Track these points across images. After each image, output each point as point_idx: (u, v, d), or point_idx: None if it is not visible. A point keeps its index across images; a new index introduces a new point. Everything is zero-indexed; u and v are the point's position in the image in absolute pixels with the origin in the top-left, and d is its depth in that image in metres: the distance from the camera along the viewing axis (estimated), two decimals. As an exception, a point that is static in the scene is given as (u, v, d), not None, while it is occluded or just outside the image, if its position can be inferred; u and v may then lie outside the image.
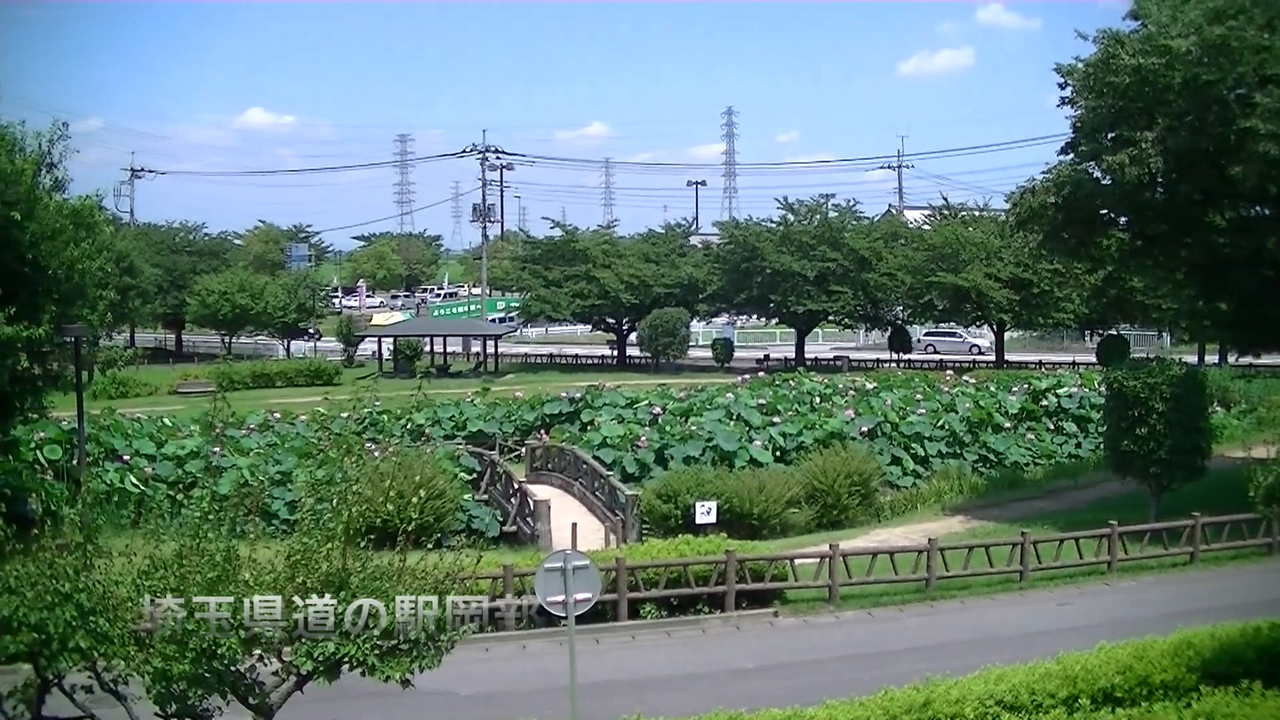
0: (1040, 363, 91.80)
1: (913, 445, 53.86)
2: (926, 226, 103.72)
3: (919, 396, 59.98)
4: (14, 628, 13.97)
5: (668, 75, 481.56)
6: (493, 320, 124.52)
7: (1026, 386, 62.72)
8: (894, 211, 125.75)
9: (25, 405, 37.55)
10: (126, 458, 48.92)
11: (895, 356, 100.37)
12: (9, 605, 13.99)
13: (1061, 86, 44.28)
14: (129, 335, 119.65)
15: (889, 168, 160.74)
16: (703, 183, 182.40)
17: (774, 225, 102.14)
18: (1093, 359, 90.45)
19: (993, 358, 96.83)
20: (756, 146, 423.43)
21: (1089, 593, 33.91)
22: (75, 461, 43.62)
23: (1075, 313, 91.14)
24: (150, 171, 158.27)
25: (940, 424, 55.45)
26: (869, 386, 64.07)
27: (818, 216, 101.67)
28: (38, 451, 47.84)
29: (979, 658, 21.21)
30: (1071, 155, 45.01)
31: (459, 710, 20.92)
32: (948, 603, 33.13)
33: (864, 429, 53.74)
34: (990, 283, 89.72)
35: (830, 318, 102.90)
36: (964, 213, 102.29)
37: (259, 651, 14.43)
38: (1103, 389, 48.44)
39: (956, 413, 56.76)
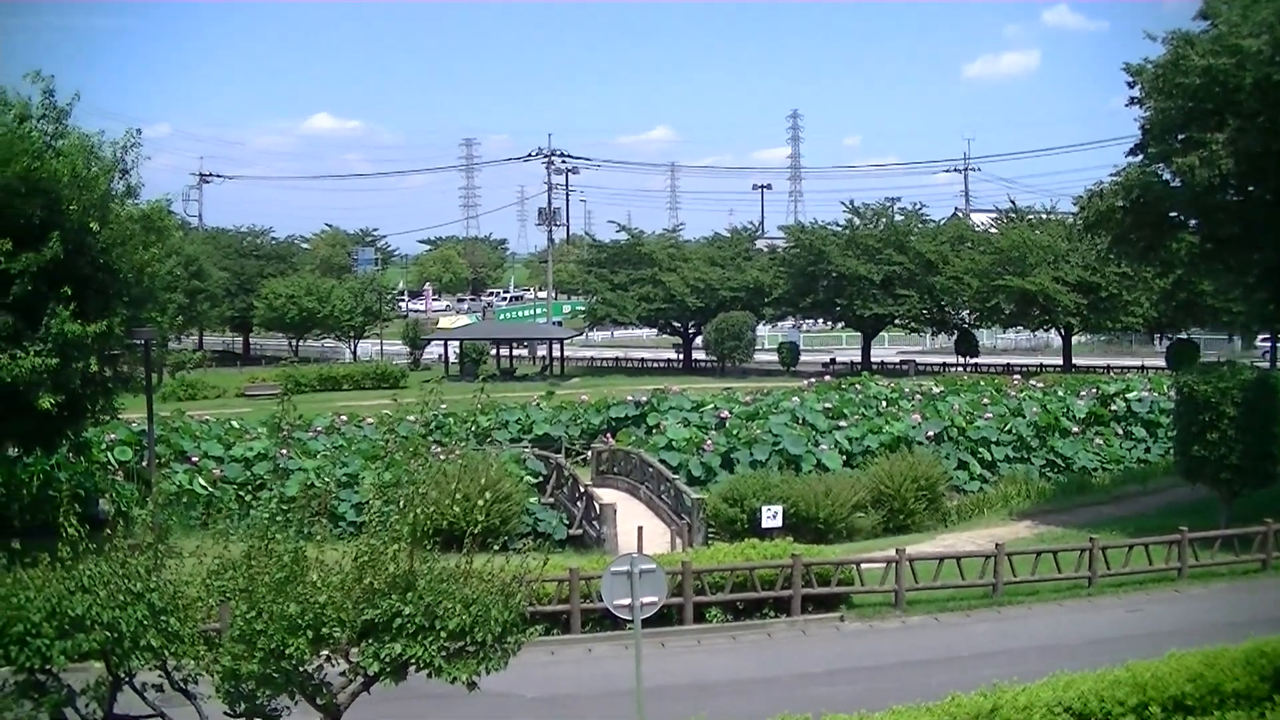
0: (1108, 367, 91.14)
1: (979, 450, 53.54)
2: (993, 230, 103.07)
3: (986, 401, 59.62)
4: (87, 626, 14.11)
5: (732, 79, 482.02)
6: (557, 322, 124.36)
7: (1095, 391, 62.21)
8: (960, 215, 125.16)
9: (96, 407, 37.93)
10: (195, 459, 49.32)
11: (962, 360, 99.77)
12: (83, 604, 14.13)
13: (1130, 87, 43.92)
14: (197, 338, 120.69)
15: (955, 171, 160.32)
16: (768, 186, 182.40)
17: (840, 229, 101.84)
18: (1162, 363, 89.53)
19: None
20: (821, 150, 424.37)
21: (1158, 599, 33.60)
22: (145, 463, 44.02)
23: (1144, 316, 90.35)
24: (218, 176, 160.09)
25: (1007, 428, 55.08)
26: (935, 390, 63.80)
27: (883, 220, 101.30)
28: (109, 453, 48.35)
29: (1047, 664, 21.06)
30: (1141, 157, 44.63)
31: (524, 713, 20.97)
32: (1015, 608, 32.92)
33: (930, 433, 53.46)
34: (1057, 286, 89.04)
35: (896, 321, 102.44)
36: (1031, 216, 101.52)
37: (326, 652, 14.50)
38: (1172, 393, 47.97)
39: (1024, 417, 56.36)
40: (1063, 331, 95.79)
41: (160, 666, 14.96)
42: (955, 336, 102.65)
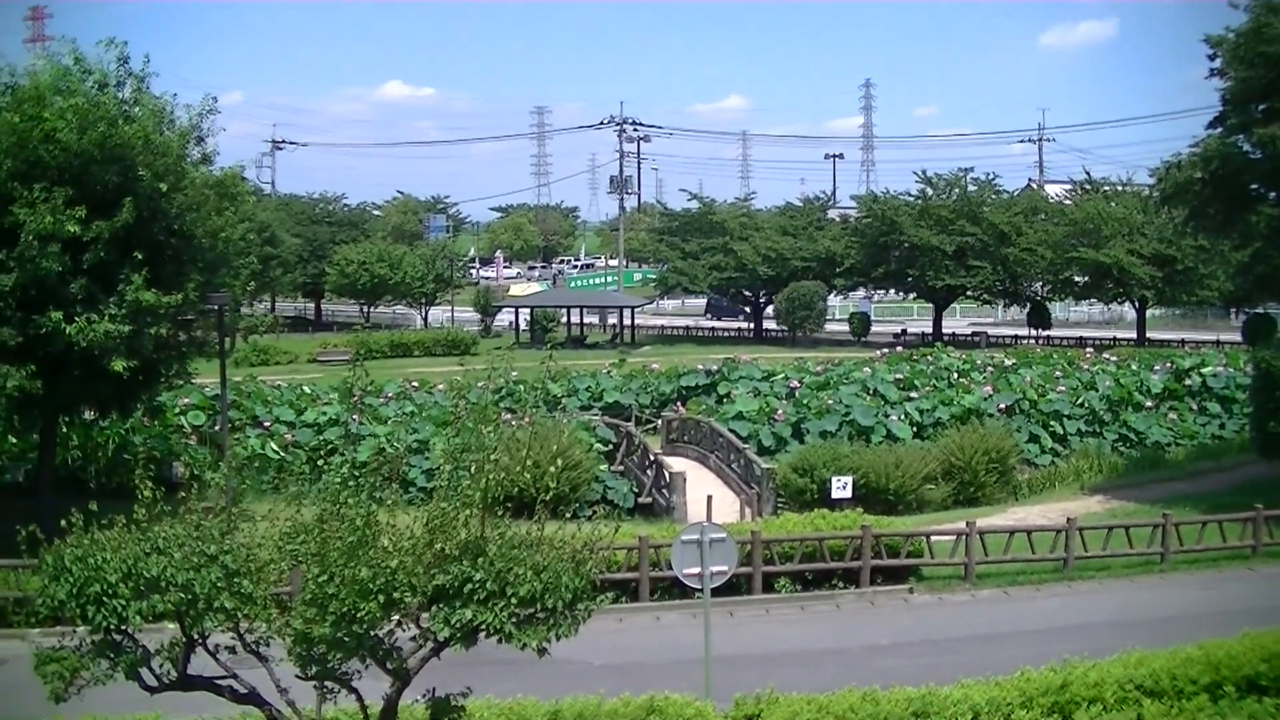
0: (1183, 341, 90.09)
1: (1051, 423, 53.18)
2: (1067, 201, 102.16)
3: (1058, 374, 59.21)
4: (163, 587, 14.21)
5: (805, 48, 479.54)
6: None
7: (1169, 365, 61.59)
8: (1034, 186, 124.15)
9: (170, 372, 38.26)
10: (267, 424, 49.79)
11: (1034, 333, 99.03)
12: (158, 565, 14.24)
13: (1211, 58, 43.36)
14: (269, 304, 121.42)
15: (1029, 141, 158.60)
16: (840, 156, 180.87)
17: (912, 199, 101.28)
18: (1238, 338, 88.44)
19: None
20: (894, 120, 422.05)
21: (1232, 577, 33.28)
22: (218, 427, 44.42)
23: (1221, 290, 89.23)
24: (291, 143, 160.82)
25: (1080, 402, 54.68)
26: (1007, 363, 63.39)
27: (956, 190, 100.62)
28: (182, 417, 48.87)
29: (1118, 640, 20.93)
30: (1220, 129, 44.11)
31: (592, 680, 20.97)
32: (1086, 583, 32.73)
33: (1002, 406, 53.17)
34: (1132, 259, 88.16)
35: (968, 293, 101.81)
36: (1106, 187, 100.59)
37: (397, 616, 14.55)
38: (1249, 369, 47.48)
39: (1097, 391, 55.91)
40: (1137, 305, 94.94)
41: (233, 628, 15.04)
42: (1028, 309, 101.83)
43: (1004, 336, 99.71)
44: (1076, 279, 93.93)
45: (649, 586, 30.60)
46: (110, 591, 14.12)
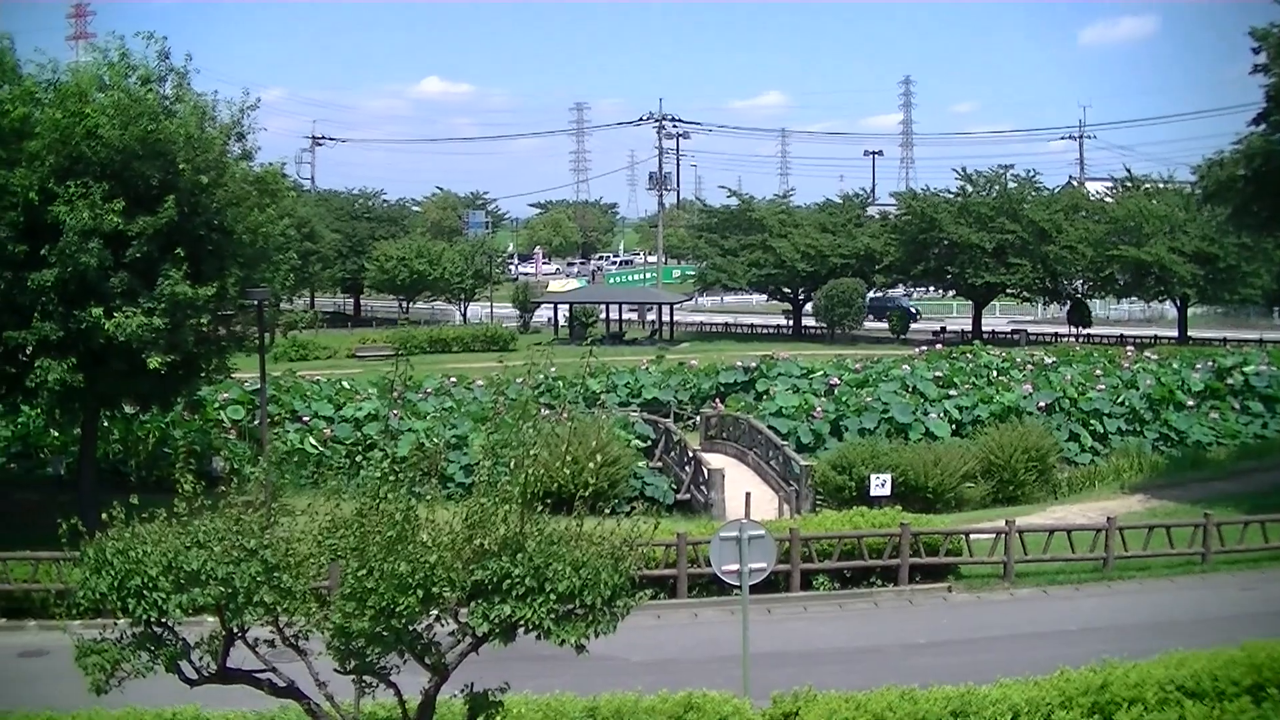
0: (1225, 339, 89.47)
1: (1091, 421, 52.85)
2: (1108, 199, 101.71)
3: (1099, 372, 58.85)
4: (203, 580, 14.28)
5: (844, 44, 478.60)
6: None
7: (1211, 364, 61.16)
8: (1075, 183, 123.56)
9: (210, 366, 38.49)
10: (306, 419, 49.94)
11: (1074, 331, 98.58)
12: (198, 559, 14.31)
13: (1255, 52, 43.02)
14: (309, 299, 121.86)
15: (1070, 138, 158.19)
16: (879, 153, 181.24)
17: (952, 196, 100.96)
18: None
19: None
20: (933, 116, 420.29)
21: (1274, 578, 32.98)
22: (257, 422, 44.59)
23: (1264, 288, 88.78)
24: (330, 139, 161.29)
25: (1120, 400, 54.33)
26: (1047, 361, 63.13)
27: (996, 188, 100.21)
28: (222, 411, 49.10)
29: (1158, 641, 20.82)
30: (1264, 125, 43.76)
31: (630, 676, 20.96)
32: (1126, 583, 32.54)
33: (1042, 404, 52.88)
34: (1174, 257, 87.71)
35: (1008, 290, 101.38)
36: (1147, 185, 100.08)
37: (436, 611, 14.58)
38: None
39: (1137, 389, 55.54)
40: (1178, 303, 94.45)
41: (272, 622, 15.10)
42: (1068, 306, 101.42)
43: (1044, 334, 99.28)
44: (1117, 277, 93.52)
45: (687, 583, 30.61)
46: (151, 584, 14.20)
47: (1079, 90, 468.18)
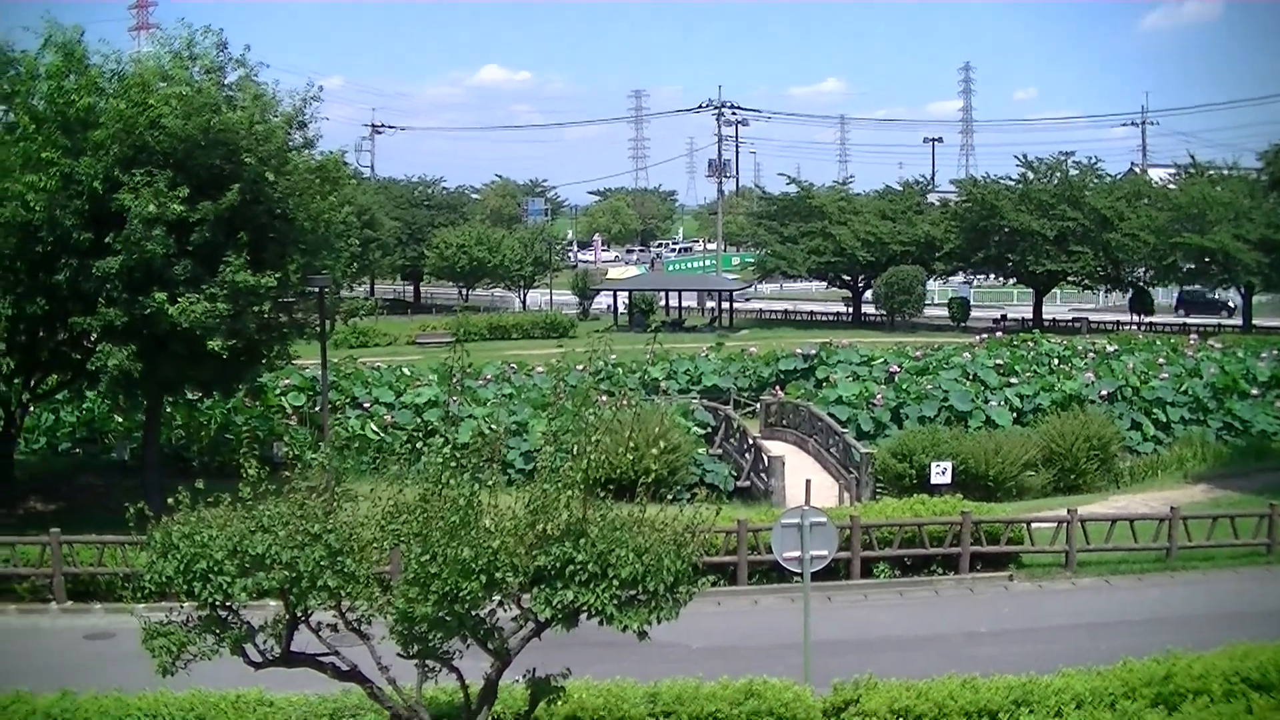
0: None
1: (1154, 410, 52.44)
2: (1171, 185, 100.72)
3: (1162, 360, 58.43)
4: (267, 564, 14.42)
5: (903, 30, 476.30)
6: (733, 279, 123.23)
7: (1276, 352, 60.57)
8: (1137, 170, 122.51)
9: (272, 353, 38.75)
10: (367, 405, 50.20)
11: (1136, 319, 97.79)
12: (263, 543, 14.44)
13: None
14: (369, 287, 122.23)
15: (1132, 124, 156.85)
16: (939, 139, 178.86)
17: (1013, 183, 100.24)
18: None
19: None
20: (994, 103, 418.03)
21: (1342, 569, 32.67)
22: (318, 408, 44.86)
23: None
24: (390, 127, 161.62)
25: (1183, 389, 53.88)
26: (1109, 349, 62.71)
27: (1058, 175, 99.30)
28: (283, 398, 49.42)
29: (1222, 633, 20.70)
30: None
31: (691, 663, 21.00)
32: (1189, 574, 32.26)
33: (1104, 392, 52.57)
34: (1238, 244, 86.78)
35: (1069, 278, 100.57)
36: (1211, 171, 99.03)
37: (499, 597, 14.65)
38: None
39: (1201, 378, 55.09)
40: (1243, 291, 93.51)
41: (335, 606, 15.23)
42: (1130, 294, 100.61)
43: (1105, 322, 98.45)
44: (1180, 265, 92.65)
45: (747, 570, 30.60)
46: (216, 568, 14.37)
47: (1141, 76, 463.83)
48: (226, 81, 36.53)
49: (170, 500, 15.17)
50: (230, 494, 15.26)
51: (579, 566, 14.02)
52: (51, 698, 18.45)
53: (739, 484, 44.19)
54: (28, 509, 39.42)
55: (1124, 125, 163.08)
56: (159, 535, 14.81)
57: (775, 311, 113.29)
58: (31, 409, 43.05)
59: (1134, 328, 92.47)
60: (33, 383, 39.72)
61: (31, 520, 37.09)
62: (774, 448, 45.39)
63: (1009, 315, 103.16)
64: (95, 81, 34.65)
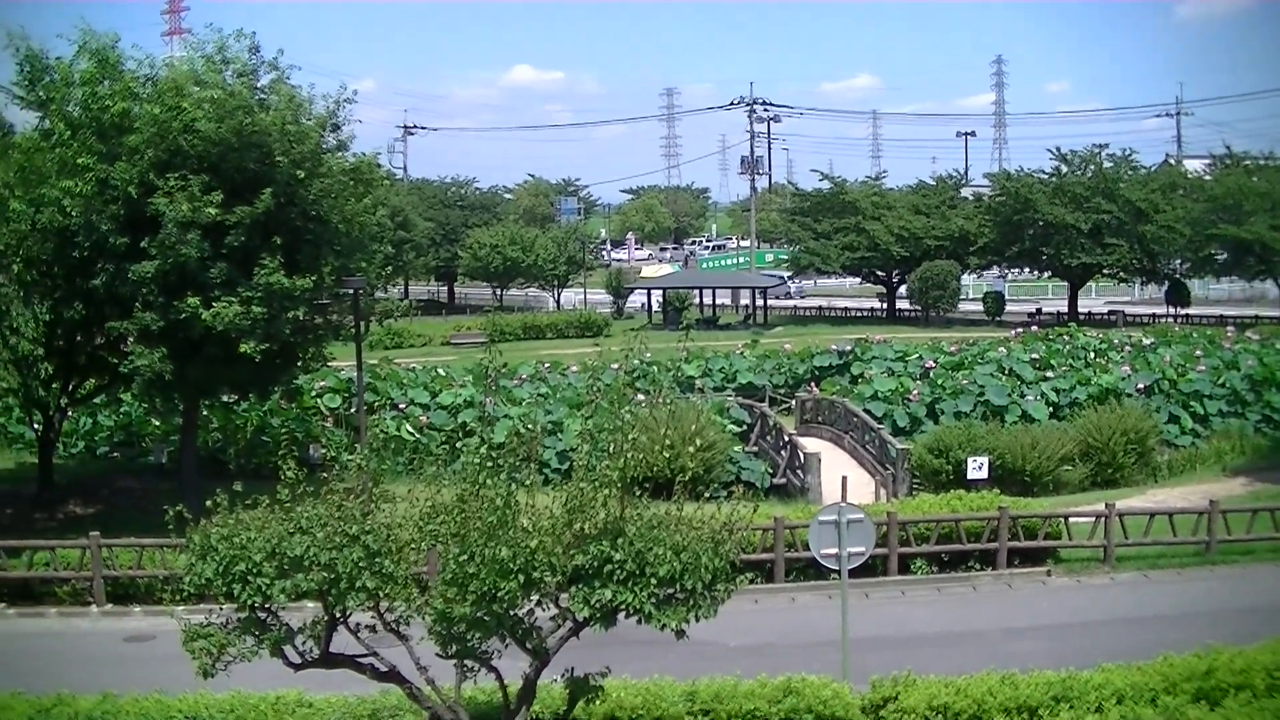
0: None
1: (1191, 403, 52.19)
2: (1207, 176, 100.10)
3: (1198, 353, 58.11)
4: (306, 566, 14.46)
5: (935, 24, 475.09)
6: (771, 275, 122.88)
7: (1316, 344, 60.17)
8: (1171, 161, 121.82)
9: (307, 355, 38.84)
10: (402, 406, 50.29)
11: (1173, 311, 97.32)
12: (301, 544, 14.49)
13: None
14: (403, 288, 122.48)
15: (1166, 115, 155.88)
16: (972, 133, 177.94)
17: (1046, 176, 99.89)
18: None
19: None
20: (1026, 96, 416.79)
21: (1385, 562, 32.41)
22: (354, 410, 44.96)
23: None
24: (422, 128, 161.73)
25: (1221, 382, 53.60)
26: (1146, 342, 62.44)
27: (1091, 167, 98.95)
28: (319, 400, 49.56)
29: (1264, 627, 20.59)
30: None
31: (729, 661, 20.96)
32: (1229, 568, 32.02)
33: (1140, 386, 52.35)
34: (1276, 235, 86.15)
35: (1104, 271, 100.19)
36: (1248, 161, 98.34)
37: (537, 596, 14.66)
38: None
39: (1239, 370, 54.77)
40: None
41: (374, 607, 15.26)
42: (1166, 287, 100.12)
43: (1141, 315, 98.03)
44: (1217, 256, 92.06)
45: (784, 567, 30.57)
46: (255, 570, 14.42)
47: (1175, 67, 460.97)
48: (259, 85, 36.65)
49: (208, 503, 15.26)
50: (268, 496, 15.31)
51: (617, 565, 14.02)
52: (93, 699, 18.54)
53: (775, 481, 44.17)
54: (67, 512, 39.63)
55: (1158, 116, 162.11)
56: (198, 538, 14.88)
57: (810, 308, 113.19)
58: (70, 413, 43.34)
59: (1170, 320, 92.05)
60: (71, 387, 39.95)
61: (71, 523, 37.28)
62: (810, 444, 45.36)
63: (1044, 309, 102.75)
64: (129, 87, 34.80)
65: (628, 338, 17.24)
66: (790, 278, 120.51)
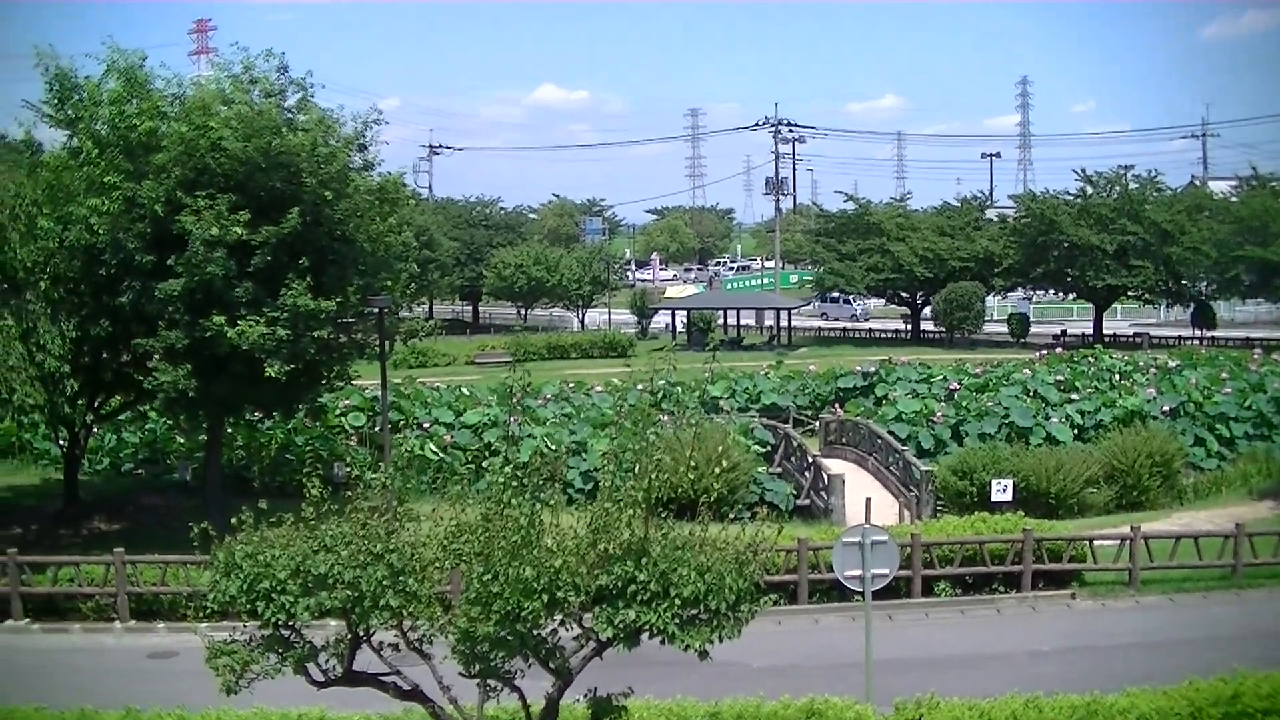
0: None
1: (1217, 426, 51.96)
2: (1233, 198, 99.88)
3: (1224, 375, 57.89)
4: (330, 584, 14.48)
5: (961, 45, 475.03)
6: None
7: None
8: (1197, 183, 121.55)
9: (332, 374, 38.93)
10: (426, 425, 50.34)
11: (1198, 333, 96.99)
12: (326, 562, 14.51)
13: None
14: (428, 307, 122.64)
15: (1192, 137, 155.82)
16: (997, 154, 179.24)
17: (1071, 198, 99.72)
18: None
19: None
20: (1051, 117, 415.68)
21: None
22: (378, 428, 45.04)
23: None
24: (447, 148, 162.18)
25: (1247, 404, 53.36)
26: (1171, 364, 62.21)
27: (1117, 189, 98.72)
28: (343, 418, 49.68)
29: (1291, 650, 20.45)
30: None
31: (752, 682, 20.94)
32: (1256, 592, 31.88)
33: (1166, 408, 52.17)
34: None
35: (1130, 293, 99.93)
36: (1274, 183, 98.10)
37: (560, 616, 14.65)
38: None
39: (1265, 392, 54.55)
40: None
41: (397, 626, 15.27)
42: (1191, 309, 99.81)
43: (1167, 337, 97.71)
44: (1243, 278, 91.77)
45: (807, 589, 30.52)
46: (280, 588, 14.44)
47: (1201, 88, 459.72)
48: (286, 104, 36.79)
49: (233, 520, 15.28)
50: (292, 514, 15.34)
51: (641, 585, 14.01)
52: (116, 715, 18.61)
53: (799, 502, 44.11)
54: (92, 529, 39.80)
55: (1184, 138, 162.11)
56: (223, 554, 14.91)
57: (833, 329, 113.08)
58: (95, 430, 43.50)
59: (1196, 342, 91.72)
60: (96, 404, 40.12)
61: (95, 540, 37.44)
62: (834, 466, 45.30)
63: (1069, 331, 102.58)
64: (157, 106, 34.98)
65: (653, 358, 17.21)
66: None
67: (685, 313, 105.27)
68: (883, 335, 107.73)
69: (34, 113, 36.73)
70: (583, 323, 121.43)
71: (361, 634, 15.37)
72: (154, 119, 34.41)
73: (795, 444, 48.92)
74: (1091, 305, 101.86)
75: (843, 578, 22.46)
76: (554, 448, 42.52)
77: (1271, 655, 20.15)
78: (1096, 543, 33.02)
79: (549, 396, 56.65)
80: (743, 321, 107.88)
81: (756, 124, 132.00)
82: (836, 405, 58.80)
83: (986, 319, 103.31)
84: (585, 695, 15.84)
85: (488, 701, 15.88)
